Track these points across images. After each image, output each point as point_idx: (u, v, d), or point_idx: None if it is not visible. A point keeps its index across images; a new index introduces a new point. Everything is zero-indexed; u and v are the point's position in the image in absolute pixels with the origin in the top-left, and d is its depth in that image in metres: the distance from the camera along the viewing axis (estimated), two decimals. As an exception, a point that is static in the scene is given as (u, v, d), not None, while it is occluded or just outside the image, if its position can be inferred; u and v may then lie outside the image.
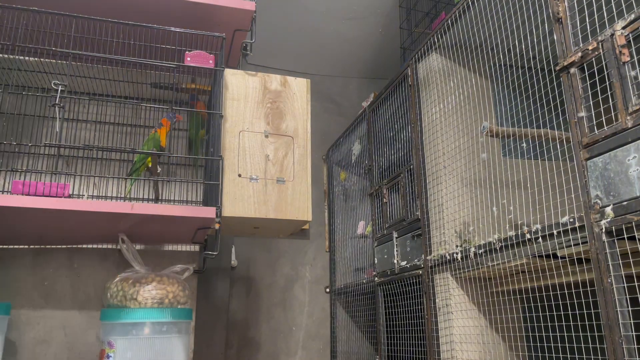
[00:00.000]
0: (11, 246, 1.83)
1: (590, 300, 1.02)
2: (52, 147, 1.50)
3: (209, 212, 1.44)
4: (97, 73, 1.78)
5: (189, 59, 1.54)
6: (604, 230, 0.97)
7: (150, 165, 1.71)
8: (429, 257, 1.61)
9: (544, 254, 1.16)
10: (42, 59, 1.62)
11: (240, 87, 1.65)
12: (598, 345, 0.99)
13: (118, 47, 1.55)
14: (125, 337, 1.48)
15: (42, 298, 1.81)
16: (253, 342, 2.64)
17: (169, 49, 1.55)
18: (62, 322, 1.81)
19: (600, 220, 0.98)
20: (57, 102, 1.38)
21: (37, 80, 1.77)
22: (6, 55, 1.63)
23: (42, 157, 1.84)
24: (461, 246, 1.49)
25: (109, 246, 1.90)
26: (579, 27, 1.08)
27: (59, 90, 1.39)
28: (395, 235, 1.85)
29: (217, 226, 1.47)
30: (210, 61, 1.56)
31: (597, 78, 1.03)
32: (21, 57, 1.67)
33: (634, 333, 0.91)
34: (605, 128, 0.99)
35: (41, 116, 1.88)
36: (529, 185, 1.29)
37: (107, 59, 1.51)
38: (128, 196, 1.82)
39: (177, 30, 1.55)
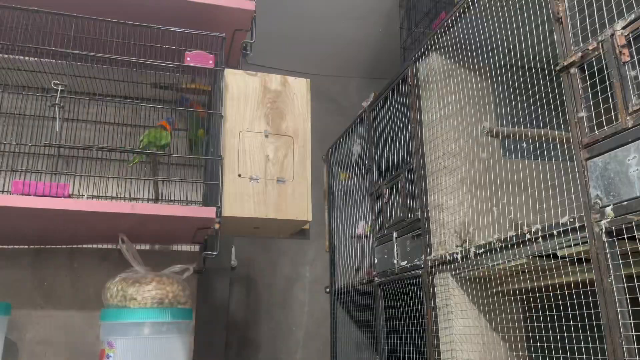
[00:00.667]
0: (11, 246, 1.83)
1: (591, 300, 1.02)
2: (52, 147, 1.50)
3: (209, 212, 1.44)
4: (97, 73, 1.78)
5: (189, 59, 1.54)
6: (604, 230, 0.97)
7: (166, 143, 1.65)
8: (429, 257, 1.61)
9: (544, 254, 1.16)
10: (41, 59, 1.62)
11: (240, 87, 1.65)
12: (598, 346, 0.99)
13: (118, 47, 1.54)
14: (125, 337, 1.48)
15: (42, 298, 1.81)
16: (253, 342, 2.64)
17: (169, 49, 1.55)
18: (62, 322, 1.81)
19: (601, 220, 0.97)
20: (57, 102, 1.38)
21: (37, 80, 1.77)
22: (6, 55, 1.63)
23: (42, 157, 1.84)
24: (461, 246, 1.49)
25: (109, 246, 1.90)
26: (579, 27, 1.08)
27: (59, 90, 1.39)
28: (395, 235, 1.85)
29: (217, 226, 1.46)
30: (210, 61, 1.56)
31: (597, 78, 1.03)
32: (21, 57, 1.67)
33: (634, 333, 0.91)
34: (606, 128, 0.99)
35: (41, 116, 1.87)
36: (529, 185, 1.29)
37: (107, 59, 1.51)
38: (131, 165, 1.74)
39: (177, 30, 1.55)
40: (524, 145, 1.44)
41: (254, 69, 1.71)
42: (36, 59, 1.62)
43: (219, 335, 2.09)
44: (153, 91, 1.89)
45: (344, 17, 2.70)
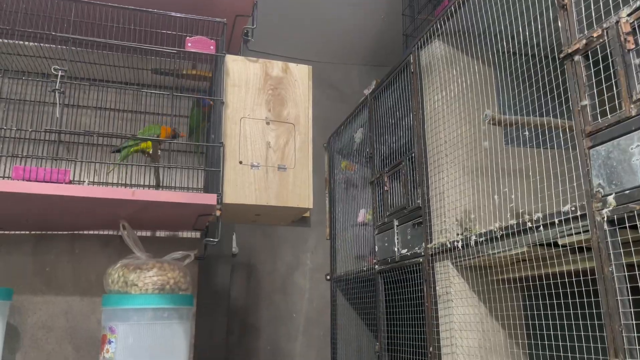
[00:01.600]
0: (12, 232, 1.83)
1: (591, 288, 1.02)
2: (53, 132, 1.50)
3: (210, 199, 1.44)
4: (97, 58, 1.77)
5: (189, 44, 1.53)
6: (605, 219, 0.96)
7: (149, 151, 1.70)
8: (429, 245, 1.61)
9: (544, 242, 1.16)
10: (41, 44, 1.61)
11: (242, 74, 1.64)
12: (598, 334, 0.99)
13: (118, 32, 1.53)
14: (126, 323, 1.49)
15: (43, 284, 1.82)
16: (254, 328, 2.66)
17: (170, 34, 1.54)
18: (64, 307, 1.82)
19: (602, 209, 0.97)
20: (57, 87, 1.38)
21: (37, 65, 1.76)
22: (6, 40, 1.62)
23: (42, 143, 1.84)
24: (462, 234, 1.49)
25: (110, 232, 1.91)
26: (583, 14, 1.07)
27: (59, 76, 1.38)
28: (396, 223, 1.85)
29: (218, 213, 1.47)
30: (211, 47, 1.55)
31: (601, 66, 1.02)
32: (21, 42, 1.66)
33: (634, 322, 0.91)
34: (609, 116, 0.99)
35: (41, 102, 1.87)
36: (530, 173, 1.28)
37: (108, 44, 1.50)
38: (114, 180, 1.81)
39: (178, 15, 1.54)
40: (526, 133, 1.43)
41: (254, 56, 1.70)
42: (36, 43, 1.61)
43: (220, 322, 2.10)
44: (154, 77, 1.89)
45: (346, 4, 2.68)
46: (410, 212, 1.76)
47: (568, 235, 1.08)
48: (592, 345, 1.04)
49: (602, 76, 1.02)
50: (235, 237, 2.63)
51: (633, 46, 0.95)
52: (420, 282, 1.66)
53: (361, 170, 2.34)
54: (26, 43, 1.67)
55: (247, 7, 1.70)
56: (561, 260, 1.17)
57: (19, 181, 1.31)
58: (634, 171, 0.92)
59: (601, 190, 0.99)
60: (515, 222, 1.23)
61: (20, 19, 1.45)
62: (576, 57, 1.07)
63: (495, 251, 1.31)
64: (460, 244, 1.45)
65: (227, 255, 2.21)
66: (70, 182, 1.38)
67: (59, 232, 1.87)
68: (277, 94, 1.66)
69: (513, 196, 1.33)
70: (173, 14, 1.53)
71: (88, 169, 1.84)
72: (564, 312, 1.14)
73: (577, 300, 1.08)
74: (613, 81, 0.98)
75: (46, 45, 1.62)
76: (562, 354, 1.14)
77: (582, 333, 1.07)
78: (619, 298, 0.92)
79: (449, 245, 1.50)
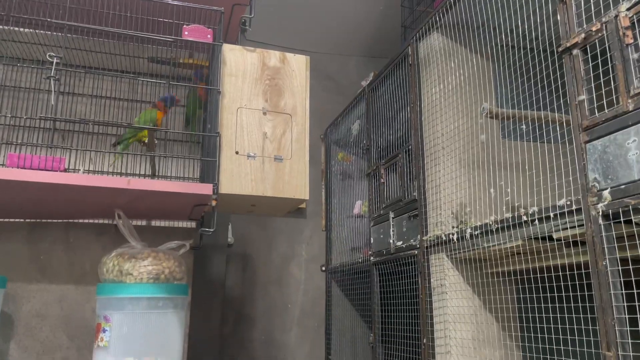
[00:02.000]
0: (7, 219, 1.82)
1: (585, 282, 1.03)
2: (48, 120, 1.49)
3: (205, 188, 1.44)
4: (93, 46, 1.75)
5: (186, 33, 1.52)
6: (600, 213, 0.97)
7: (145, 140, 1.69)
8: (425, 238, 1.61)
9: (539, 236, 1.16)
10: (37, 31, 1.59)
11: (239, 63, 1.63)
12: (591, 327, 1.00)
13: (115, 19, 1.52)
14: (121, 312, 1.49)
15: (38, 272, 1.81)
16: (249, 318, 2.66)
17: (167, 22, 1.53)
18: (58, 296, 1.82)
19: (598, 204, 0.97)
20: (52, 74, 1.36)
21: (32, 52, 1.74)
22: (0, 26, 1.61)
23: (37, 130, 1.82)
24: (457, 227, 1.49)
25: (105, 221, 1.90)
26: (583, 8, 1.07)
27: (54, 63, 1.37)
28: (391, 215, 1.85)
29: (214, 203, 1.46)
30: (209, 36, 1.54)
31: (599, 60, 1.02)
32: (16, 28, 1.64)
33: (626, 316, 0.91)
34: (606, 111, 0.98)
35: (36, 89, 1.85)
36: (527, 167, 1.29)
37: (104, 32, 1.49)
38: (111, 169, 1.81)
39: (175, 3, 1.52)
40: (524, 127, 1.43)
41: (252, 45, 1.69)
42: (31, 30, 1.59)
43: (215, 311, 2.11)
44: (150, 65, 1.87)
45: (345, -6, 2.66)
46: (406, 204, 1.76)
47: (563, 229, 1.08)
48: (584, 338, 1.05)
49: (600, 70, 1.01)
50: (231, 227, 2.63)
51: (632, 41, 0.94)
52: (415, 274, 1.66)
53: (358, 162, 2.34)
54: (21, 29, 1.65)
55: (245, -4, 1.69)
56: (555, 253, 1.17)
57: (13, 169, 1.31)
58: (629, 166, 0.92)
59: (597, 184, 0.99)
60: (510, 216, 1.23)
61: (15, 5, 1.43)
62: (574, 51, 1.06)
63: (490, 244, 1.31)
64: (455, 237, 1.45)
65: (223, 245, 2.21)
66: (65, 170, 1.37)
67: (54, 220, 1.86)
68: (274, 84, 1.65)
69: (509, 190, 1.33)
70: (170, 1, 1.52)
71: (83, 157, 1.83)
72: (557, 305, 1.14)
73: (571, 293, 1.09)
74: (611, 76, 0.98)
75: (41, 31, 1.60)
76: (555, 346, 1.15)
77: (575, 326, 1.08)
78: (612, 292, 0.93)
79: (444, 238, 1.50)
